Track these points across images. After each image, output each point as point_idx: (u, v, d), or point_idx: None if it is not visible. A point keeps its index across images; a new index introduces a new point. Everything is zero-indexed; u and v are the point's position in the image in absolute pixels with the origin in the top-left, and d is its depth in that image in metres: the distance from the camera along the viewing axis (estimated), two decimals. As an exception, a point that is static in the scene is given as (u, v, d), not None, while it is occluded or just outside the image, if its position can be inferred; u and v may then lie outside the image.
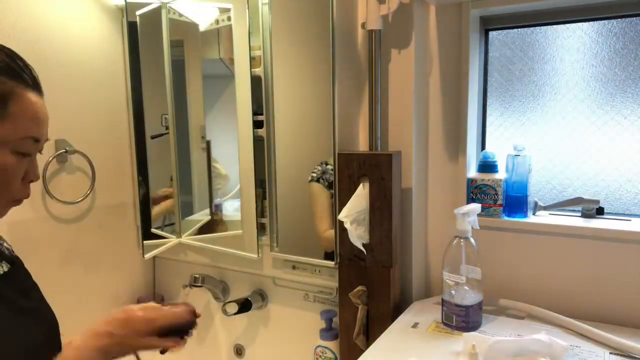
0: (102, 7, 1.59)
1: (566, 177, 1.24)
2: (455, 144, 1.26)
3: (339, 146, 1.27)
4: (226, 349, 1.69)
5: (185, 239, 1.65)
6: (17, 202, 0.73)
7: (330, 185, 1.32)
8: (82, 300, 1.60)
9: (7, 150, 0.67)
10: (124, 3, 1.55)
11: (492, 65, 1.29)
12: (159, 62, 1.60)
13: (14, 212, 0.90)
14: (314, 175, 1.34)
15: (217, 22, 1.51)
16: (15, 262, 0.79)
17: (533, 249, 1.20)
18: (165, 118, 1.62)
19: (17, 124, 0.68)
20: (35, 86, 0.72)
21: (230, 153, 1.52)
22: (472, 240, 1.08)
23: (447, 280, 1.09)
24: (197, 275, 1.58)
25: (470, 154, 1.26)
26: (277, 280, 1.52)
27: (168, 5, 1.56)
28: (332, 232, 1.32)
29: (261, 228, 1.48)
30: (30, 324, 0.74)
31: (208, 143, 1.59)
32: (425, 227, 1.34)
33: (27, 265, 0.85)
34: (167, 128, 1.62)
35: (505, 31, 1.26)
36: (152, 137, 1.63)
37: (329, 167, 1.32)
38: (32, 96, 0.70)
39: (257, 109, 1.43)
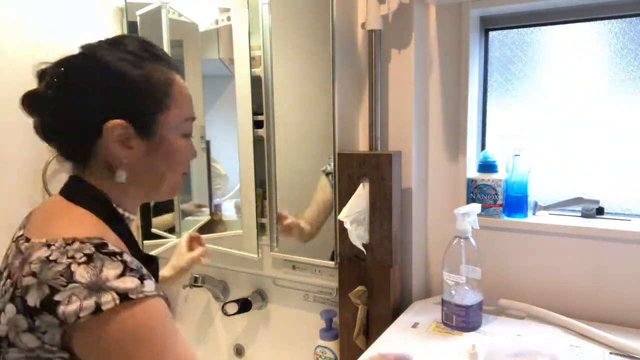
0: (102, 7, 1.59)
1: (566, 177, 1.24)
2: (455, 144, 1.26)
3: (339, 146, 1.27)
4: (226, 349, 1.69)
5: (185, 239, 1.65)
6: (186, 174, 0.82)
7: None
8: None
9: (178, 134, 0.76)
10: (124, 3, 1.55)
11: (492, 65, 1.29)
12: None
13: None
14: (328, 168, 1.33)
15: (216, 22, 1.51)
16: None
17: (533, 249, 1.20)
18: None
19: (180, 107, 0.75)
20: (178, 70, 0.77)
21: (230, 153, 1.52)
22: (472, 240, 1.08)
23: (447, 280, 1.09)
24: (197, 275, 1.58)
25: (470, 154, 1.26)
26: (277, 280, 1.52)
27: (168, 5, 1.56)
28: (308, 226, 1.32)
29: (261, 228, 1.48)
30: None
31: (207, 143, 1.59)
32: (425, 227, 1.34)
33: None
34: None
35: (505, 31, 1.26)
36: None
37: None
38: (181, 79, 0.76)
39: (257, 109, 1.43)
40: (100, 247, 0.63)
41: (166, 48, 1.59)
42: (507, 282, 1.23)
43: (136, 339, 0.61)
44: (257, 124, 1.43)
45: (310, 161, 1.37)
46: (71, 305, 0.58)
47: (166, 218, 1.67)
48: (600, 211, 1.18)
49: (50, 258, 0.61)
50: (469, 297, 1.08)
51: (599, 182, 1.21)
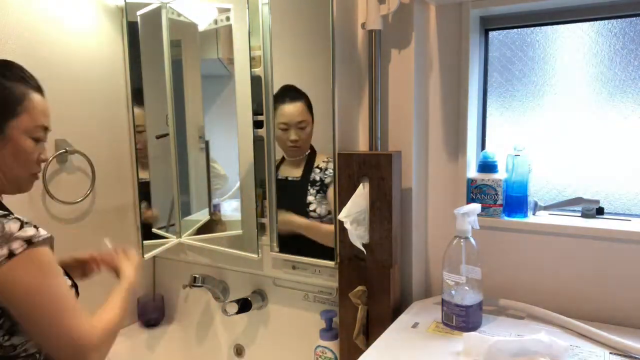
0: (102, 7, 1.59)
1: (566, 177, 1.24)
2: (455, 144, 1.26)
3: (339, 146, 1.27)
4: (226, 349, 1.69)
5: (185, 239, 1.65)
6: (35, 176, 0.98)
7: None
8: (81, 300, 1.59)
9: (26, 137, 0.92)
10: (123, 3, 1.55)
11: (492, 65, 1.29)
12: (159, 62, 1.60)
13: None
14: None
15: (215, 22, 1.51)
16: None
17: (533, 249, 1.20)
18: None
19: (31, 116, 0.92)
20: (39, 89, 0.96)
21: (229, 153, 1.52)
22: (472, 240, 1.08)
23: (447, 280, 1.09)
24: (197, 275, 1.58)
25: (470, 154, 1.26)
26: (277, 280, 1.52)
27: (168, 5, 1.56)
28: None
29: (261, 228, 1.48)
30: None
31: (207, 143, 1.59)
32: (425, 227, 1.34)
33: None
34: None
35: (505, 31, 1.26)
36: (157, 137, 1.63)
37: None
38: (38, 96, 0.95)
39: (257, 109, 1.43)
40: None
41: (166, 48, 1.59)
42: (507, 282, 1.23)
43: (44, 270, 0.83)
44: (257, 124, 1.43)
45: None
46: None
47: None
48: (600, 211, 1.18)
49: None
50: (469, 297, 1.08)
51: (599, 182, 1.21)
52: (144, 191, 1.66)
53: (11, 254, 0.79)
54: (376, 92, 1.25)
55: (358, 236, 1.20)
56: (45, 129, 0.96)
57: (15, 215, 0.85)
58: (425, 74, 1.27)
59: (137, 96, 1.62)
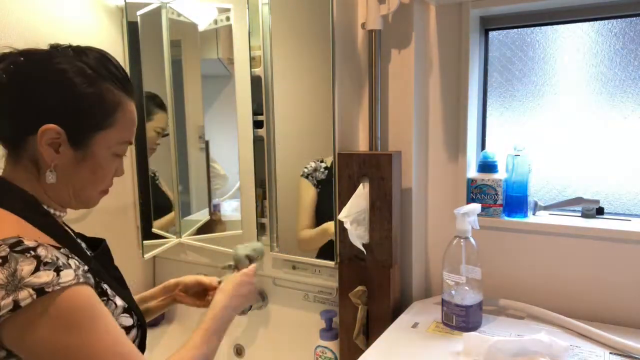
0: (102, 7, 1.59)
1: (566, 177, 1.24)
2: (455, 144, 1.26)
3: (339, 146, 1.27)
4: (226, 349, 1.69)
5: (185, 239, 1.65)
6: (106, 192, 0.85)
7: (318, 184, 1.32)
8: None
9: (110, 153, 0.79)
10: (123, 3, 1.55)
11: (492, 65, 1.29)
12: (159, 62, 1.60)
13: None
14: (305, 170, 1.34)
15: (215, 22, 1.51)
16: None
17: (533, 249, 1.20)
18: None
19: (120, 130, 0.78)
20: (133, 94, 0.80)
21: (229, 153, 1.52)
22: (472, 240, 1.08)
23: (447, 280, 1.09)
24: (197, 275, 1.58)
25: (470, 154, 1.26)
26: (277, 280, 1.52)
27: (168, 5, 1.56)
28: (308, 232, 1.32)
29: (261, 228, 1.48)
30: (123, 288, 0.86)
31: (207, 143, 1.59)
32: (425, 227, 1.34)
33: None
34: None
35: (505, 31, 1.26)
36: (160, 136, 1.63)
37: (323, 164, 1.32)
38: (131, 104, 0.79)
39: (257, 109, 1.43)
40: (15, 245, 0.65)
41: (166, 48, 1.59)
42: (507, 282, 1.23)
43: (63, 326, 0.64)
44: (257, 124, 1.43)
45: (310, 161, 1.36)
46: None
47: (168, 218, 1.67)
48: (600, 211, 1.18)
49: None
50: (469, 297, 1.08)
51: (599, 182, 1.21)
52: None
53: (16, 306, 0.61)
54: (376, 92, 1.25)
55: (358, 236, 1.20)
56: (130, 143, 0.82)
57: (40, 252, 0.66)
58: (425, 74, 1.27)
59: (137, 96, 1.62)
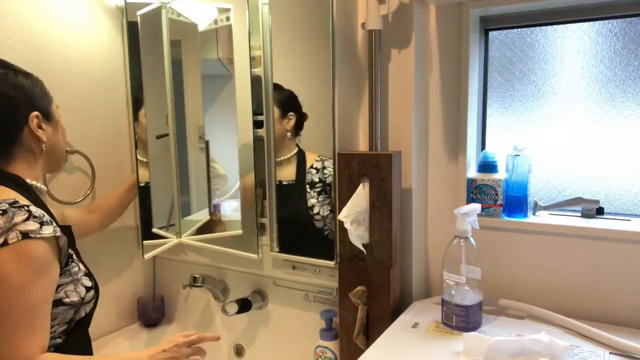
0: (102, 7, 1.59)
1: (566, 177, 1.24)
2: (455, 144, 1.26)
3: (339, 146, 1.27)
4: (226, 349, 1.69)
5: (185, 239, 1.65)
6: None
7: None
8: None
9: (59, 117, 1.10)
10: (123, 3, 1.55)
11: (492, 65, 1.29)
12: (159, 62, 1.60)
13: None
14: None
15: (215, 22, 1.51)
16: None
17: (533, 249, 1.20)
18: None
19: (52, 97, 1.08)
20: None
21: (229, 153, 1.52)
22: (472, 240, 1.08)
23: (447, 280, 1.09)
24: (197, 275, 1.58)
25: (470, 154, 1.26)
26: (277, 280, 1.52)
27: (168, 5, 1.56)
28: None
29: (261, 228, 1.48)
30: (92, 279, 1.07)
31: (207, 143, 1.59)
32: (425, 227, 1.34)
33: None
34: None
35: (505, 31, 1.26)
36: (157, 137, 1.63)
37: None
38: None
39: (257, 109, 1.42)
40: (13, 203, 0.90)
41: (165, 48, 1.59)
42: (507, 282, 1.23)
43: (25, 264, 0.86)
44: (257, 124, 1.43)
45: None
46: None
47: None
48: (600, 211, 1.18)
49: None
50: (469, 297, 1.08)
51: (599, 182, 1.21)
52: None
53: (4, 243, 0.84)
54: (376, 92, 1.25)
55: (358, 236, 1.20)
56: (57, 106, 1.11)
57: (31, 208, 0.90)
58: (425, 74, 1.27)
59: (138, 96, 1.62)
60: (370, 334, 1.24)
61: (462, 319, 1.08)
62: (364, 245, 1.21)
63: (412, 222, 1.28)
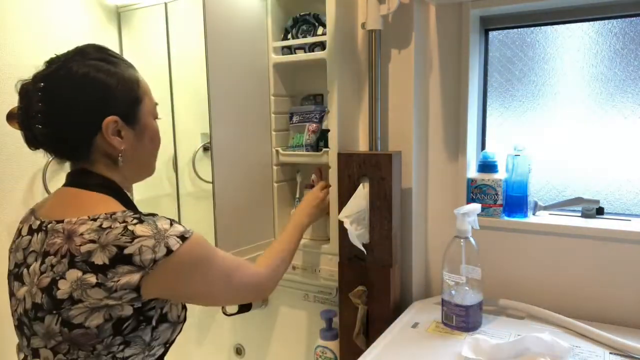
0: (102, 7, 1.59)
1: (566, 177, 1.24)
2: (455, 144, 1.26)
3: (339, 146, 1.27)
4: (226, 349, 1.69)
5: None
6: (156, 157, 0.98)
7: None
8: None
9: (152, 119, 0.92)
10: (123, 3, 1.55)
11: (492, 65, 1.29)
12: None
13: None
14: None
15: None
16: None
17: (533, 249, 1.20)
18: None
19: (149, 95, 0.91)
20: (133, 66, 0.91)
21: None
22: (472, 240, 1.08)
23: (447, 280, 1.09)
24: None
25: (470, 154, 1.26)
26: (277, 280, 1.52)
27: (168, 5, 1.56)
28: None
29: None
30: None
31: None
32: (425, 227, 1.34)
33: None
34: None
35: (505, 31, 1.26)
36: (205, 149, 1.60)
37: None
38: (139, 73, 0.91)
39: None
40: (138, 214, 0.80)
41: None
42: (507, 282, 1.23)
43: (200, 260, 0.83)
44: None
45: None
46: (144, 254, 0.75)
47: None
48: (600, 211, 1.18)
49: (103, 226, 0.76)
50: (469, 297, 1.08)
51: (599, 182, 1.21)
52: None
53: (169, 251, 0.77)
54: (376, 92, 1.25)
55: (358, 236, 1.20)
56: (157, 103, 0.95)
57: (159, 215, 0.82)
58: (425, 74, 1.27)
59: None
60: (370, 334, 1.24)
61: (462, 319, 1.08)
62: (364, 245, 1.21)
63: (412, 222, 1.28)
